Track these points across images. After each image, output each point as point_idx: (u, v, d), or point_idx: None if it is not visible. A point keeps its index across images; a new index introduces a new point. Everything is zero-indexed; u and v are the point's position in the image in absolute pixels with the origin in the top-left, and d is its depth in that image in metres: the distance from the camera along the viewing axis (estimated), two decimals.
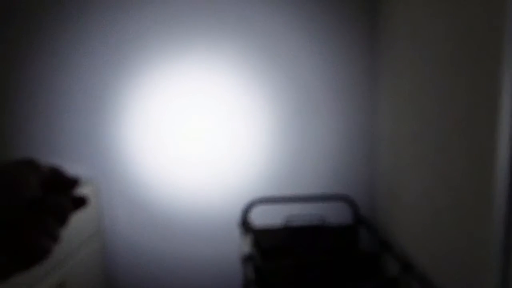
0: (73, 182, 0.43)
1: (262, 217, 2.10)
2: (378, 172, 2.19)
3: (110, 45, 2.05)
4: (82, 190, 1.97)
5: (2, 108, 2.10)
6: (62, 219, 0.40)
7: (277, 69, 2.14)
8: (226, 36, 2.08)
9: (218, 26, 2.07)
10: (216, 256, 2.22)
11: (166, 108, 2.13)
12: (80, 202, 0.44)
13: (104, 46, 2.06)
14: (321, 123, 2.18)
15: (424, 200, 1.67)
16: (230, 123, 2.15)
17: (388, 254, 1.83)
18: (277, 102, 2.16)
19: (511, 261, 1.13)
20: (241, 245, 1.92)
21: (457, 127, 1.41)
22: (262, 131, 2.17)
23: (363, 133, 2.20)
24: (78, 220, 1.88)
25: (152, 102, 2.12)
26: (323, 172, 2.21)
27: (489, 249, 1.20)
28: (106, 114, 2.12)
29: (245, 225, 2.06)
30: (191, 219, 2.20)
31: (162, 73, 2.09)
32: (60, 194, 0.42)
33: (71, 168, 2.13)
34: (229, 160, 2.18)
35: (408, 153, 1.82)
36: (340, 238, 2.09)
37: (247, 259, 1.72)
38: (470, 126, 1.34)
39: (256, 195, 2.12)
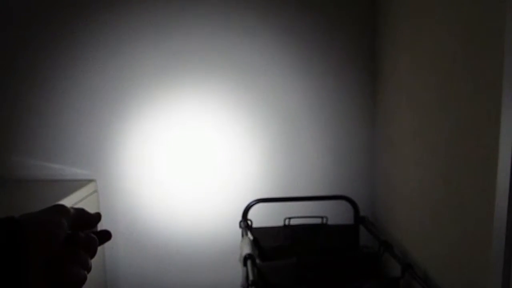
0: (96, 219, 0.50)
1: (262, 217, 2.09)
2: (379, 172, 2.18)
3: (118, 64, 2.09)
4: (82, 191, 1.97)
5: (6, 111, 2.11)
6: (92, 252, 0.47)
7: (279, 72, 2.14)
8: (228, 60, 2.12)
9: (220, 56, 2.11)
10: (216, 256, 2.22)
11: (169, 119, 2.14)
12: (105, 236, 0.51)
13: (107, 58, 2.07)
14: (321, 124, 2.18)
15: (425, 200, 1.67)
16: (234, 126, 2.16)
17: (388, 254, 1.83)
18: (279, 105, 2.15)
19: None
20: (241, 245, 1.92)
21: (458, 127, 1.41)
22: (263, 134, 2.17)
23: (364, 133, 2.20)
24: None
25: (154, 112, 2.13)
26: (324, 173, 2.20)
27: (490, 249, 1.20)
28: (110, 118, 2.12)
29: (245, 225, 2.05)
30: (191, 218, 2.20)
31: (163, 87, 2.11)
32: (86, 230, 0.48)
33: (72, 169, 2.13)
34: (231, 163, 2.18)
35: (409, 153, 1.82)
36: (340, 238, 2.09)
37: (247, 259, 1.72)
38: (471, 126, 1.33)
39: (258, 198, 2.13)
